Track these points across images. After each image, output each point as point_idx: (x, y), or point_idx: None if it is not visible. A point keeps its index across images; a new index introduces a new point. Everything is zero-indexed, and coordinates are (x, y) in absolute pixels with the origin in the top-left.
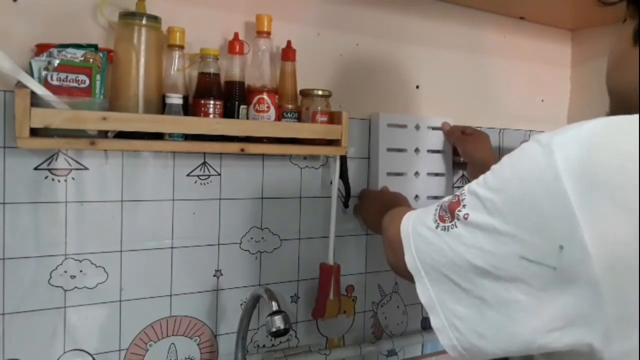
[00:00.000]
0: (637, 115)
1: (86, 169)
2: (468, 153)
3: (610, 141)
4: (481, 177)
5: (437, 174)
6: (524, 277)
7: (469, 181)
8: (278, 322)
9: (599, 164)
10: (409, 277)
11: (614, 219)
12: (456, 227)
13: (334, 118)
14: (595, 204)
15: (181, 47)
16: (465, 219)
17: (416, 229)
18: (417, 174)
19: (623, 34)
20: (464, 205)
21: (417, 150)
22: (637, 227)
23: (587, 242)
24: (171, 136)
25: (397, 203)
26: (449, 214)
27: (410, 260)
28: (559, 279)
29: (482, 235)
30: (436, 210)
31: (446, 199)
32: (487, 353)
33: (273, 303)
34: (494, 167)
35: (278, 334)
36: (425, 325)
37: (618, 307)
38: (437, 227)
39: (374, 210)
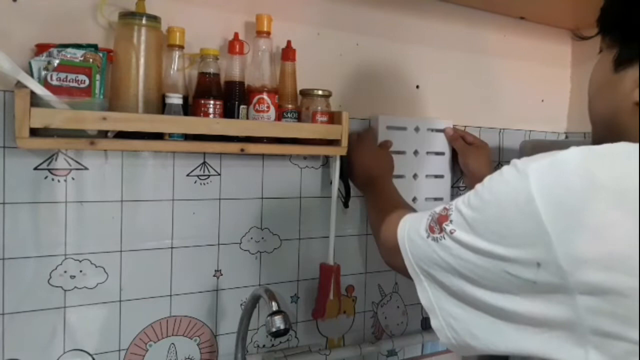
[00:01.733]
0: (605, 145)
1: (86, 169)
2: (466, 165)
3: (576, 168)
4: (466, 196)
5: (435, 176)
6: (509, 288)
7: (466, 187)
8: (278, 322)
9: (566, 188)
10: (408, 277)
11: (582, 240)
12: (444, 239)
13: (334, 118)
14: (565, 225)
15: (181, 47)
16: (452, 233)
17: (410, 236)
18: (415, 176)
19: (600, 63)
20: (450, 221)
21: (416, 152)
22: (604, 247)
23: (561, 261)
24: (171, 136)
25: (376, 179)
26: (438, 226)
27: (409, 265)
28: (542, 291)
29: (467, 251)
30: (428, 219)
31: (438, 209)
32: (481, 350)
33: (273, 303)
34: (477, 186)
35: (278, 334)
36: (426, 325)
37: (593, 325)
38: (427, 236)
39: (358, 175)
